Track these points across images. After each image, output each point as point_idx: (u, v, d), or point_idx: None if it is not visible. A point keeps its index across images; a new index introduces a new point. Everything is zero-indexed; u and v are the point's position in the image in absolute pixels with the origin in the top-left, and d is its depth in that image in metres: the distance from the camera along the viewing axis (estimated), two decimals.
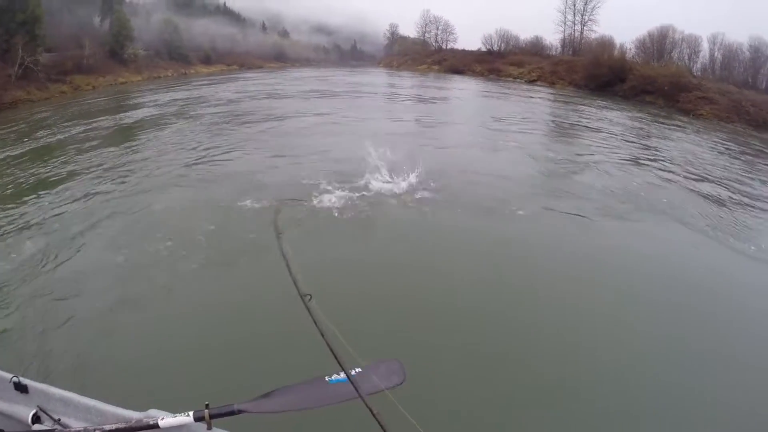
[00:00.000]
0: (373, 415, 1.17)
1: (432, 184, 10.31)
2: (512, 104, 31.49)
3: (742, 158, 20.66)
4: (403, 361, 1.49)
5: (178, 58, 46.53)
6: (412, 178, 10.20)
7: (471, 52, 59.77)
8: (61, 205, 9.00)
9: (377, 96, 31.51)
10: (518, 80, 48.34)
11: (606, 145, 18.49)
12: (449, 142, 16.45)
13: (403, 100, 30.13)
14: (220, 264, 6.57)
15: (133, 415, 1.27)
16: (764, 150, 24.58)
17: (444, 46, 66.94)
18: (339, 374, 1.30)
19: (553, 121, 26.24)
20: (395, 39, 79.54)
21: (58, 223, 8.08)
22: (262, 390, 1.29)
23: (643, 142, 20.97)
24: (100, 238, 7.51)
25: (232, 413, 1.20)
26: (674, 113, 33.50)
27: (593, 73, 42.31)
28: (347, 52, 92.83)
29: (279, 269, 1.94)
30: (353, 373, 1.32)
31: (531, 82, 47.21)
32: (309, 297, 1.56)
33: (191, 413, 1.20)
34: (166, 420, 1.19)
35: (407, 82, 45.19)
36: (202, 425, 1.20)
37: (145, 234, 7.50)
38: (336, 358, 1.29)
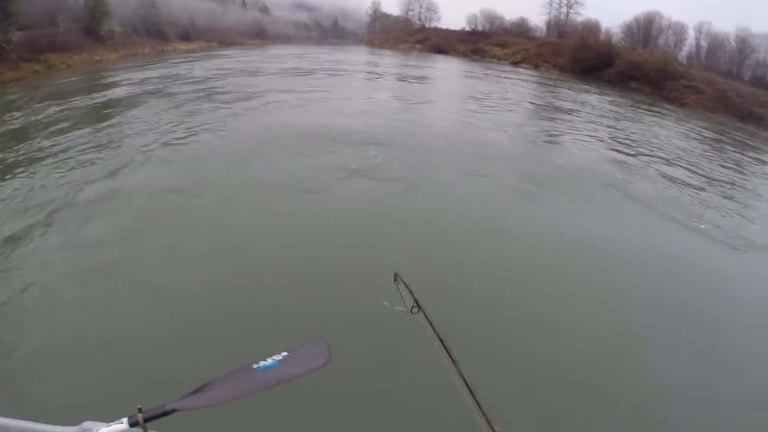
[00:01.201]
0: None
1: (398, 160, 10.49)
2: (494, 85, 30.61)
3: (719, 147, 20.65)
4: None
5: (156, 35, 44.31)
6: (379, 157, 10.36)
7: (455, 32, 57.95)
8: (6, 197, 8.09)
9: (358, 75, 30.44)
10: (502, 61, 46.94)
11: (585, 130, 18.35)
12: (425, 121, 16.30)
13: (383, 80, 29.12)
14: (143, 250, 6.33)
15: (67, 431, 1.21)
16: (746, 141, 24.29)
17: (427, 25, 65.00)
18: (266, 360, 1.28)
19: (534, 103, 25.45)
20: (377, 17, 77.52)
21: None
22: (193, 385, 1.21)
23: (622, 127, 20.76)
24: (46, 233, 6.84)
25: (165, 414, 1.16)
26: (659, 101, 32.95)
27: (579, 57, 41.27)
28: (328, 30, 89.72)
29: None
30: (280, 357, 1.29)
31: (515, 63, 45.87)
32: None
33: (125, 420, 1.17)
34: (101, 430, 1.16)
35: (389, 61, 43.66)
36: (138, 430, 1.17)
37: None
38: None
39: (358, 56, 46.90)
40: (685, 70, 36.84)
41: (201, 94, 18.30)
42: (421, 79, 31.44)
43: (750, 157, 20.17)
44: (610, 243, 8.10)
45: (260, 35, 71.11)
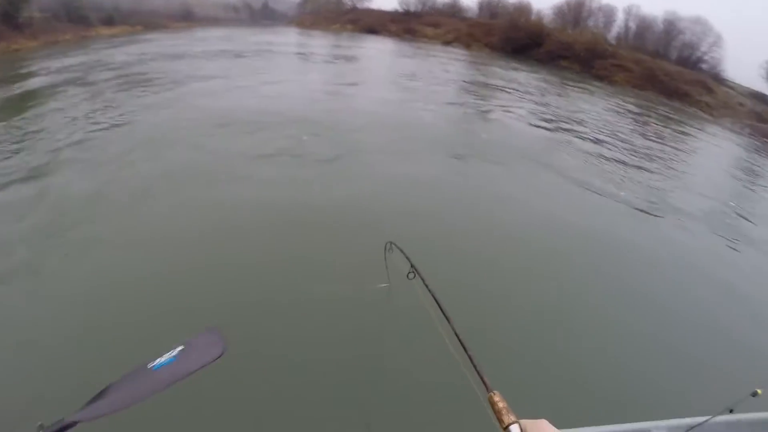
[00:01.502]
0: None
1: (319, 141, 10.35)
2: (425, 64, 29.46)
3: (643, 120, 21.23)
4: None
5: (78, 21, 41.02)
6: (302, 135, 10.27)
7: (387, 12, 55.72)
8: None
9: (287, 56, 28.53)
10: (434, 41, 45.01)
11: (513, 106, 18.20)
12: (353, 102, 15.81)
13: (312, 62, 27.21)
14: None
15: None
16: (670, 116, 24.71)
17: (359, 6, 62.19)
18: (162, 357, 1.23)
19: (465, 81, 24.67)
20: None
21: None
22: (90, 395, 1.16)
23: (550, 102, 20.94)
24: None
25: (65, 428, 1.09)
26: (589, 79, 32.51)
27: (510, 37, 40.23)
28: (258, 11, 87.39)
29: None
30: (175, 352, 1.24)
31: (447, 43, 44.10)
32: None
33: None
34: None
35: (319, 42, 41.24)
36: None
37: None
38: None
39: (287, 38, 44.02)
40: (614, 50, 36.43)
41: (121, 81, 16.60)
42: (351, 59, 29.54)
43: (672, 129, 20.88)
44: (517, 203, 8.48)
45: (187, 18, 67.30)
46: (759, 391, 2.28)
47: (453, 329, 1.47)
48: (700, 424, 2.34)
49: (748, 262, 8.27)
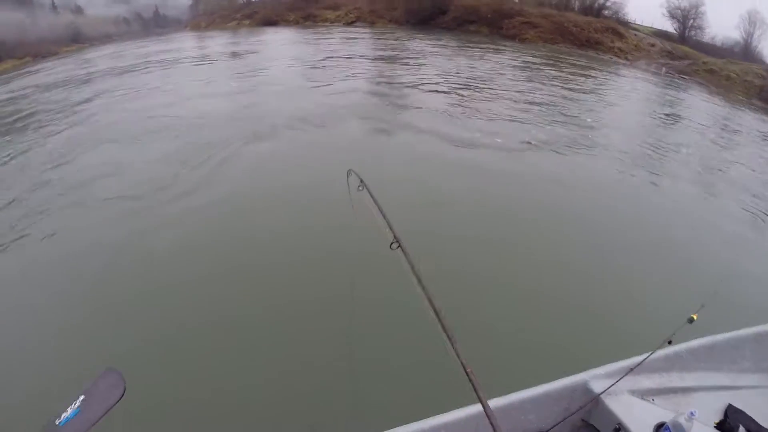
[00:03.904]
0: None
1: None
2: (326, 47, 27.21)
3: (558, 72, 20.10)
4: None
5: None
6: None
7: (283, 2, 52.22)
8: None
9: (182, 63, 25.13)
10: (336, 24, 42.16)
11: (419, 74, 17.42)
12: (255, 98, 14.03)
13: (207, 65, 23.96)
14: None
15: None
16: (588, 65, 23.90)
17: None
18: (67, 410, 1.21)
19: (368, 57, 23.13)
20: None
21: None
22: None
23: (457, 66, 19.80)
24: None
25: None
26: (499, 39, 31.36)
27: (413, 8, 38.19)
28: (150, 21, 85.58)
29: None
30: (78, 402, 1.23)
31: (350, 23, 41.38)
32: None
33: None
34: None
35: (215, 41, 37.64)
36: None
37: None
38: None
39: (180, 43, 39.69)
40: (519, 8, 35.05)
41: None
42: (249, 55, 26.43)
43: (592, 77, 20.26)
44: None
45: (77, 39, 62.98)
46: (694, 316, 2.25)
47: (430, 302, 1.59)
48: (639, 364, 2.23)
49: (671, 192, 8.34)
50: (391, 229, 2.03)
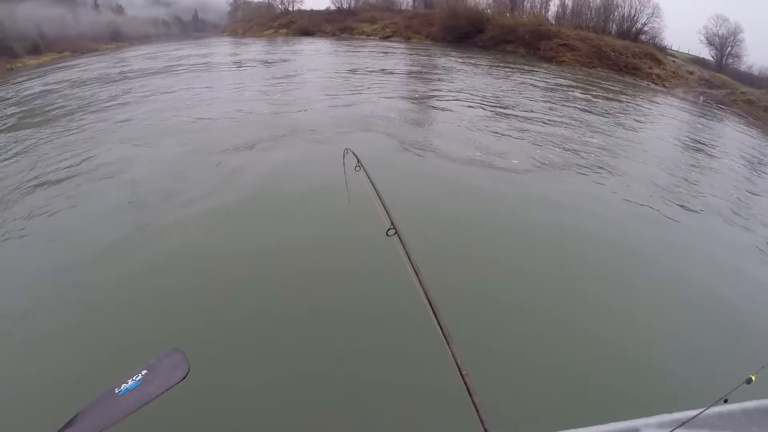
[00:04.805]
0: None
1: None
2: (358, 60, 27.67)
3: (596, 98, 20.01)
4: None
5: (1, 52, 39.43)
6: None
7: (321, 12, 53.50)
8: None
9: (220, 66, 26.39)
10: (372, 37, 42.96)
11: (456, 93, 17.34)
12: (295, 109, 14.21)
13: (245, 72, 24.61)
14: None
15: None
16: (625, 92, 23.83)
17: (291, 8, 59.79)
18: (127, 381, 1.23)
19: (406, 73, 23.37)
20: (238, 5, 73.25)
21: None
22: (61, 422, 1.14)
23: (494, 87, 19.63)
24: None
25: None
26: (535, 61, 31.29)
27: (451, 25, 38.59)
28: (189, 24, 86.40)
29: None
30: (140, 376, 1.25)
31: (386, 38, 42.12)
32: None
33: None
34: None
35: (252, 48, 38.81)
36: None
37: None
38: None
39: (216, 48, 41.36)
40: (557, 30, 35.23)
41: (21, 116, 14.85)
42: (286, 64, 27.27)
43: (632, 104, 20.10)
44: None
45: (116, 38, 64.98)
46: (753, 377, 2.23)
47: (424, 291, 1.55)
48: (692, 418, 2.15)
49: (738, 242, 7.95)
50: (387, 213, 1.97)
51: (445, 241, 6.11)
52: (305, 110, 13.66)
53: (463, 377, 1.28)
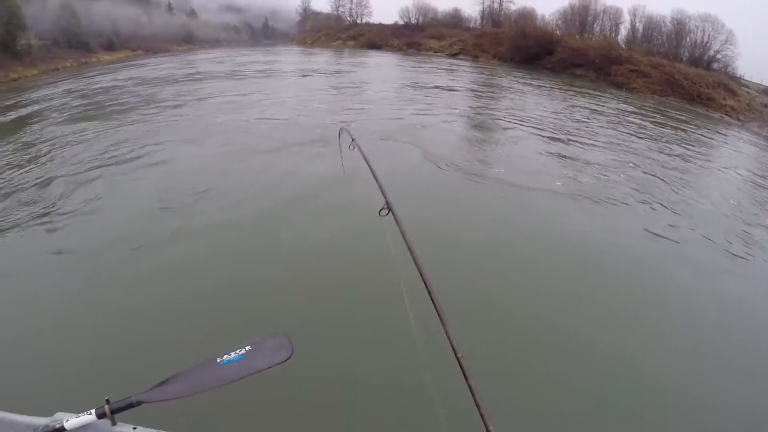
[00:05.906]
0: None
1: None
2: (434, 77, 28.54)
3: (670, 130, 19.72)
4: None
5: (78, 47, 41.07)
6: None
7: (388, 26, 55.09)
8: None
9: (288, 75, 28.13)
10: (439, 54, 44.18)
11: (520, 116, 17.73)
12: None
13: (314, 79, 26.74)
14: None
15: (41, 421, 1.25)
16: (700, 124, 23.30)
17: (359, 21, 61.69)
18: (230, 354, 1.32)
19: (475, 92, 24.12)
20: (308, 15, 74.88)
21: None
22: (160, 378, 1.27)
23: (567, 113, 19.99)
24: None
25: (131, 405, 1.22)
26: (606, 87, 31.40)
27: (519, 46, 39.11)
28: (259, 31, 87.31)
29: None
30: (243, 351, 1.33)
31: (453, 55, 43.18)
32: None
33: (93, 411, 1.22)
34: (71, 421, 1.21)
35: (320, 59, 40.64)
36: (106, 422, 1.23)
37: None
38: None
39: (286, 57, 43.66)
40: (629, 55, 35.17)
41: (90, 108, 16.49)
42: (355, 75, 28.76)
43: (708, 138, 19.62)
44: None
45: (188, 40, 68.48)
46: None
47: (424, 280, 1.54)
48: None
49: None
50: (382, 191, 1.96)
51: (473, 260, 6.42)
52: (359, 120, 14.60)
53: (458, 359, 1.26)
